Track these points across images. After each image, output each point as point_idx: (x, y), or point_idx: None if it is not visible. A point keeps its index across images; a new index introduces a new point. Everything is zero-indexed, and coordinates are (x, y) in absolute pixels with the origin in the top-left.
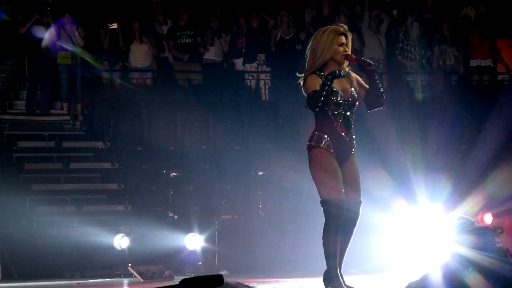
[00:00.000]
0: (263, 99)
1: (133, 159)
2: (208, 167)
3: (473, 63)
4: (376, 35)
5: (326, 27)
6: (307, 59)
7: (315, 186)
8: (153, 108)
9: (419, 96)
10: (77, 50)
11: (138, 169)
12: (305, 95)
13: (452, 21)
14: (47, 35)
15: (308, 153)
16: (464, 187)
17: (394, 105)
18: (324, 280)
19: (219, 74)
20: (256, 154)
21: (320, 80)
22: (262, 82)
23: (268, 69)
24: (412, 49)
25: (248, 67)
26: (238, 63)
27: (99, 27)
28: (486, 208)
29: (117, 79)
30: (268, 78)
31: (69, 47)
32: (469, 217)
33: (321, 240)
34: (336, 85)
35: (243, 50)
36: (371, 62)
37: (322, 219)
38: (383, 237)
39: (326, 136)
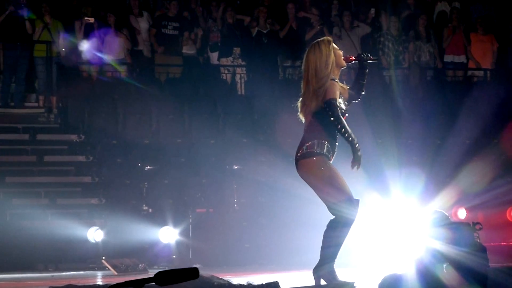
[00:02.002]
0: (239, 93)
1: (108, 152)
2: (183, 161)
3: (448, 58)
4: (347, 32)
5: (316, 42)
6: (313, 77)
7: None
8: (128, 101)
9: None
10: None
11: (112, 162)
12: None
13: (427, 17)
14: (86, 48)
15: (306, 158)
16: (438, 181)
17: (370, 100)
18: (325, 275)
19: (195, 68)
20: (231, 148)
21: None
22: (238, 76)
23: (244, 63)
24: (390, 45)
25: (224, 61)
26: (214, 57)
27: (74, 19)
28: (460, 202)
29: (94, 72)
30: (244, 72)
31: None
32: (444, 211)
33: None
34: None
35: (219, 44)
36: (371, 56)
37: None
38: (357, 231)
39: (326, 142)
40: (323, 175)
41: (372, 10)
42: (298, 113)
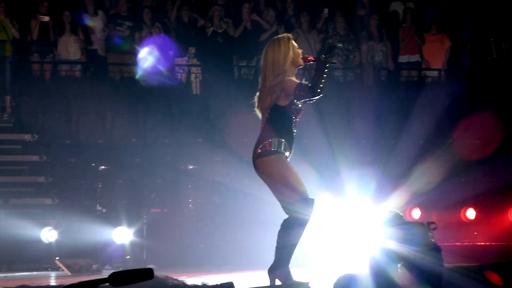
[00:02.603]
0: (194, 93)
1: (62, 152)
2: (138, 161)
3: (402, 58)
4: (306, 35)
5: (276, 38)
6: (271, 72)
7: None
8: (82, 101)
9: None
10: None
11: (66, 162)
12: (285, 99)
13: (380, 17)
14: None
15: (264, 157)
16: (392, 181)
17: (323, 101)
18: (280, 275)
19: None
20: (186, 148)
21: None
22: (193, 76)
23: (199, 62)
24: (340, 45)
25: (179, 60)
26: None
27: (30, 18)
28: (414, 202)
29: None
30: (199, 71)
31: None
32: (398, 211)
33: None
34: None
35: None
36: (330, 60)
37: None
38: (312, 231)
39: (283, 140)
40: (280, 174)
41: (326, 10)
42: (255, 108)
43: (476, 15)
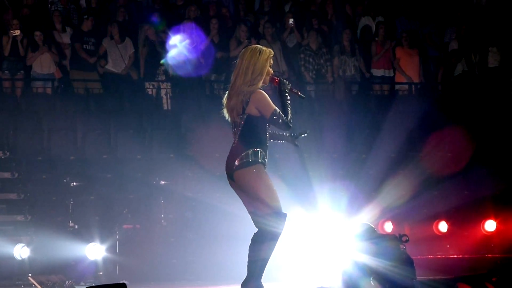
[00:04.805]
0: (165, 108)
1: (33, 168)
2: (109, 177)
3: (374, 72)
4: (270, 45)
5: (259, 47)
6: (243, 74)
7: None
8: (53, 117)
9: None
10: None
11: (38, 178)
12: (259, 110)
13: (351, 31)
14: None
15: (243, 168)
16: (364, 195)
17: (294, 115)
18: None
19: (118, 84)
20: (158, 164)
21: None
22: (163, 91)
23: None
24: (311, 59)
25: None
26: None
27: (1, 34)
28: (386, 215)
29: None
30: (169, 87)
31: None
32: (370, 224)
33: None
34: None
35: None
36: (293, 88)
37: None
38: (285, 245)
39: (260, 150)
40: (262, 184)
41: (291, 20)
42: (223, 107)
43: (445, 29)
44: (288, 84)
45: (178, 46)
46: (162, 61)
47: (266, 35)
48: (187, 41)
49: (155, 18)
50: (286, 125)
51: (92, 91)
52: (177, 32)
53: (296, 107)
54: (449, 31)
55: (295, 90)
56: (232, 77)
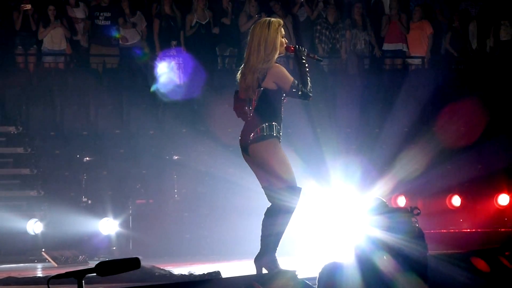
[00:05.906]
0: (178, 83)
1: (46, 144)
2: (122, 152)
3: (386, 47)
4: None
5: (267, 19)
6: (255, 51)
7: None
8: (65, 92)
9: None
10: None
11: (51, 154)
12: (278, 84)
13: (363, 5)
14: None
15: (259, 142)
16: (377, 169)
17: None
18: (266, 263)
19: (133, 58)
20: (171, 138)
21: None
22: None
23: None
24: (327, 32)
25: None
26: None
27: (13, 9)
28: (399, 190)
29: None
30: (181, 62)
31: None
32: (382, 199)
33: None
34: None
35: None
36: (309, 53)
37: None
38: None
39: (275, 124)
40: (277, 158)
41: None
42: (237, 82)
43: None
44: (304, 50)
45: (167, 73)
46: (152, 89)
47: (275, 10)
48: (175, 66)
49: (138, 51)
50: (306, 96)
51: (107, 66)
52: (164, 58)
53: (311, 81)
54: (463, 4)
55: (311, 55)
56: (245, 55)
